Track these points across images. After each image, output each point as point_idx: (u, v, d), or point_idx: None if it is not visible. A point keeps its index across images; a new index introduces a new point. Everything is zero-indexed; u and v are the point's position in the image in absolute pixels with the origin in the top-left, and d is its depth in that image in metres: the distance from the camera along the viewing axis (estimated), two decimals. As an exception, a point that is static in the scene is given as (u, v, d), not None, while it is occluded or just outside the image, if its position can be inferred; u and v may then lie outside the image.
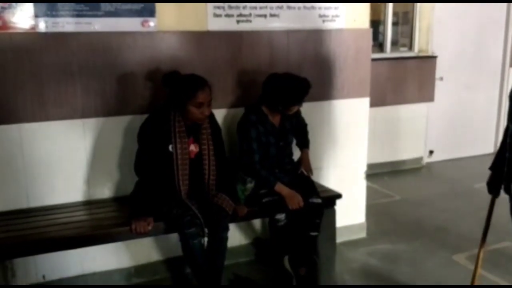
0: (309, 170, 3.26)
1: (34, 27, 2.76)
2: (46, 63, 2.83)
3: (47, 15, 2.77)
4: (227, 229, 2.77)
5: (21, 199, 2.92)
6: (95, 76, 2.94)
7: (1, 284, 2.51)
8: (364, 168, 3.90)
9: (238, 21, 3.24)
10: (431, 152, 6.13)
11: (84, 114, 2.97)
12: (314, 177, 3.33)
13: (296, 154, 3.34)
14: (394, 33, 5.86)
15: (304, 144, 3.33)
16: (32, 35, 2.78)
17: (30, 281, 3.03)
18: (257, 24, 3.29)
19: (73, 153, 3.00)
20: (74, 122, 2.95)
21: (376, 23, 5.66)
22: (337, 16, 3.51)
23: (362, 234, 3.98)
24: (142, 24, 3.00)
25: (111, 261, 3.19)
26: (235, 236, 3.48)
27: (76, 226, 2.71)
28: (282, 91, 2.94)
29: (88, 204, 3.04)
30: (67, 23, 2.82)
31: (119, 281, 3.21)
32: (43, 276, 3.05)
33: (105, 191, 3.12)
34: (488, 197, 2.72)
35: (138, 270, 3.26)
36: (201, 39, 3.15)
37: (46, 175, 2.95)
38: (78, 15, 2.84)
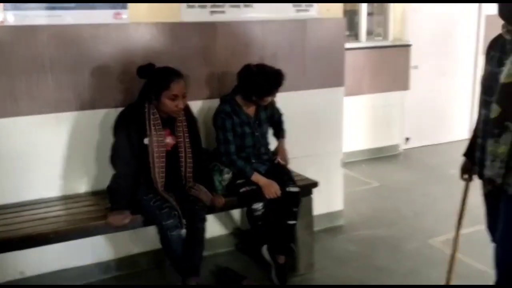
0: (286, 159, 3.28)
1: (3, 20, 2.72)
2: (17, 57, 2.78)
3: (16, 8, 2.73)
4: (204, 220, 2.77)
5: (-4, 196, 2.89)
6: (67, 70, 2.91)
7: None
8: (340, 156, 3.94)
9: (211, 12, 3.23)
10: (407, 139, 6.22)
11: (57, 109, 2.93)
12: (292, 167, 3.35)
13: (274, 144, 3.36)
14: (370, 23, 5.90)
15: (280, 134, 3.34)
16: (2, 29, 2.73)
17: (8, 278, 3.00)
18: (231, 15, 3.29)
19: (48, 148, 2.97)
20: (47, 117, 2.92)
21: (352, 13, 5.69)
22: (310, 6, 3.52)
23: (341, 221, 4.03)
24: (115, 16, 2.97)
25: (90, 255, 3.18)
26: (215, 227, 3.50)
27: (53, 221, 2.69)
28: (256, 83, 2.95)
29: (65, 199, 3.01)
30: (37, 16, 2.78)
31: (99, 275, 3.20)
32: (21, 273, 3.02)
33: (82, 186, 3.10)
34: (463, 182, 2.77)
35: (118, 263, 3.26)
36: (175, 30, 3.14)
37: (22, 170, 2.92)
38: (48, 8, 2.80)
